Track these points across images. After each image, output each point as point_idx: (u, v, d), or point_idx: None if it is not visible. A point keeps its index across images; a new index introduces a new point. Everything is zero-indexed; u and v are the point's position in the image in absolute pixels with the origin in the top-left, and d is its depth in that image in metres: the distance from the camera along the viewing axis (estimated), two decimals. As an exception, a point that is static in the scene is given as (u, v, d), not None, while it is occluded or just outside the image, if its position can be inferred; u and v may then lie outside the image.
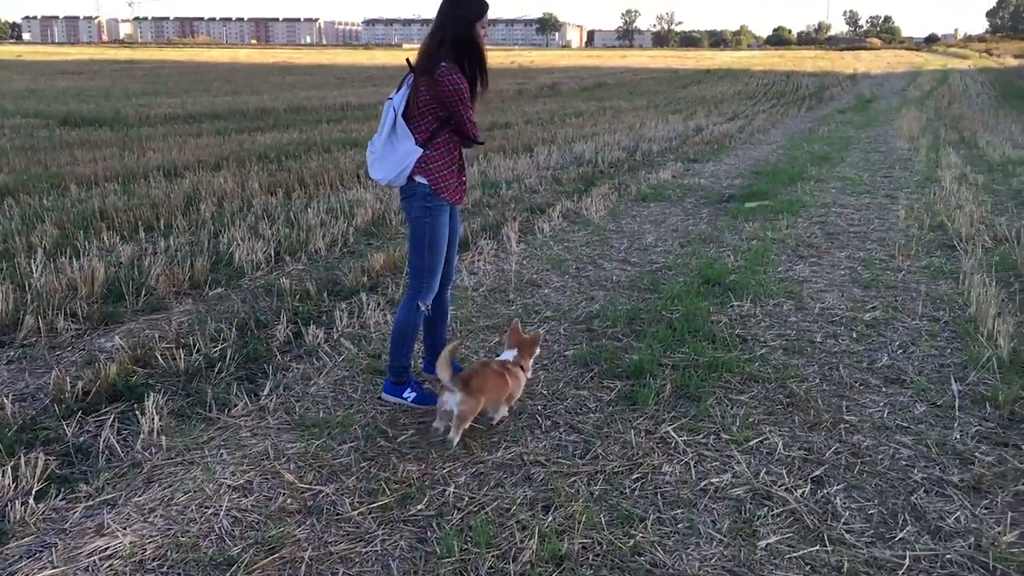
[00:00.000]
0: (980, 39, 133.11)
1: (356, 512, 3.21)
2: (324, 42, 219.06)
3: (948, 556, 2.94)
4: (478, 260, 6.79)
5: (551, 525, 3.10)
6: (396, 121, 3.88)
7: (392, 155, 3.91)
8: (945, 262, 6.77)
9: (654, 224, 8.40)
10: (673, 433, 3.81)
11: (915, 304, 5.68)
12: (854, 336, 5.12)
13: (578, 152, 13.36)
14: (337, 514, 3.21)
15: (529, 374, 4.13)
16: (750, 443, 3.75)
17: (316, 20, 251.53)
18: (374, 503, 3.27)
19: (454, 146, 3.98)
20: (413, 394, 4.15)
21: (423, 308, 4.08)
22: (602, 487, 3.39)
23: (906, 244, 7.37)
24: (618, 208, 9.16)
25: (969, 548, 2.98)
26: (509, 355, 4.05)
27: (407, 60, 3.99)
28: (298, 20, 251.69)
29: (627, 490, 3.37)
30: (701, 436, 3.81)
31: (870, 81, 40.62)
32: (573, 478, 3.45)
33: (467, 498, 3.32)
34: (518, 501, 3.28)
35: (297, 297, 5.70)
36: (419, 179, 3.90)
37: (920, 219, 8.34)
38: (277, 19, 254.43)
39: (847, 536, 3.06)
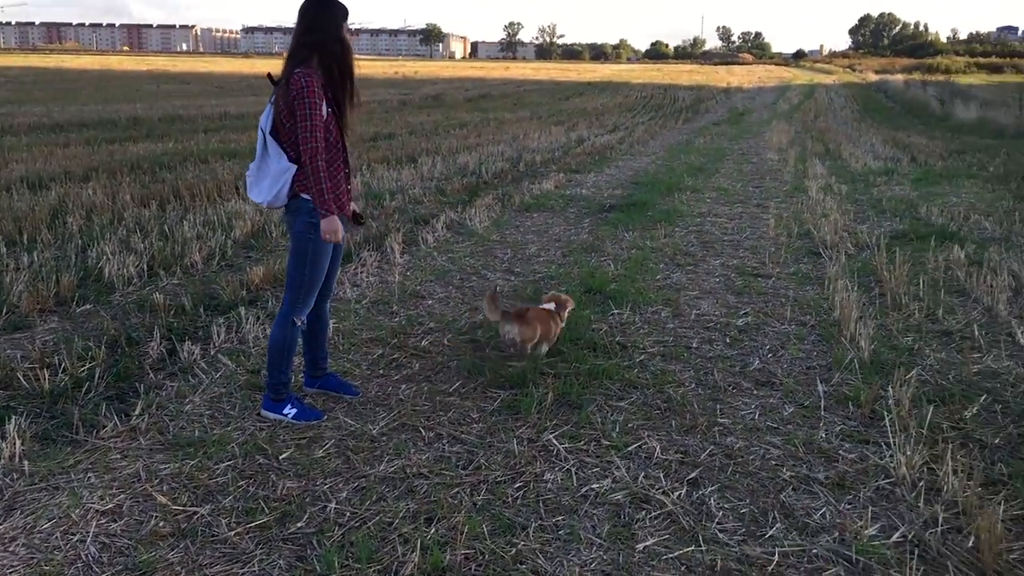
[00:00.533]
0: (844, 55, 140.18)
1: (233, 532, 3.13)
2: (201, 50, 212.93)
3: (814, 551, 3.07)
4: (361, 272, 6.73)
5: (433, 537, 3.10)
6: (266, 140, 3.78)
7: (267, 175, 3.81)
8: (811, 268, 7.09)
9: (537, 234, 8.50)
10: (555, 441, 3.86)
11: (784, 309, 5.93)
12: (728, 341, 5.31)
13: (462, 163, 13.40)
14: (213, 535, 3.12)
15: (563, 324, 4.98)
16: (629, 448, 3.83)
17: (192, 27, 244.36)
18: (252, 522, 3.20)
19: (334, 155, 3.86)
20: (294, 410, 4.08)
21: (299, 323, 4.00)
22: (485, 497, 3.41)
23: (776, 252, 7.69)
24: (502, 218, 9.23)
25: (834, 542, 3.12)
26: (550, 306, 4.91)
27: (268, 75, 3.89)
28: (173, 27, 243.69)
29: (510, 499, 3.39)
30: (582, 443, 3.88)
31: (743, 95, 42.19)
32: (456, 489, 3.46)
33: (349, 513, 3.28)
34: (400, 514, 3.26)
35: (172, 313, 5.53)
36: (305, 195, 3.79)
37: (789, 228, 8.70)
38: (151, 25, 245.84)
39: (720, 535, 3.16)
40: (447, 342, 5.22)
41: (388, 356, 4.95)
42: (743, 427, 4.08)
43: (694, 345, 5.22)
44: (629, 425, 4.07)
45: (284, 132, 3.74)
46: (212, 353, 4.89)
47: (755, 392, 4.51)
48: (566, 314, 4.99)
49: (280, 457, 3.72)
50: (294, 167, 3.76)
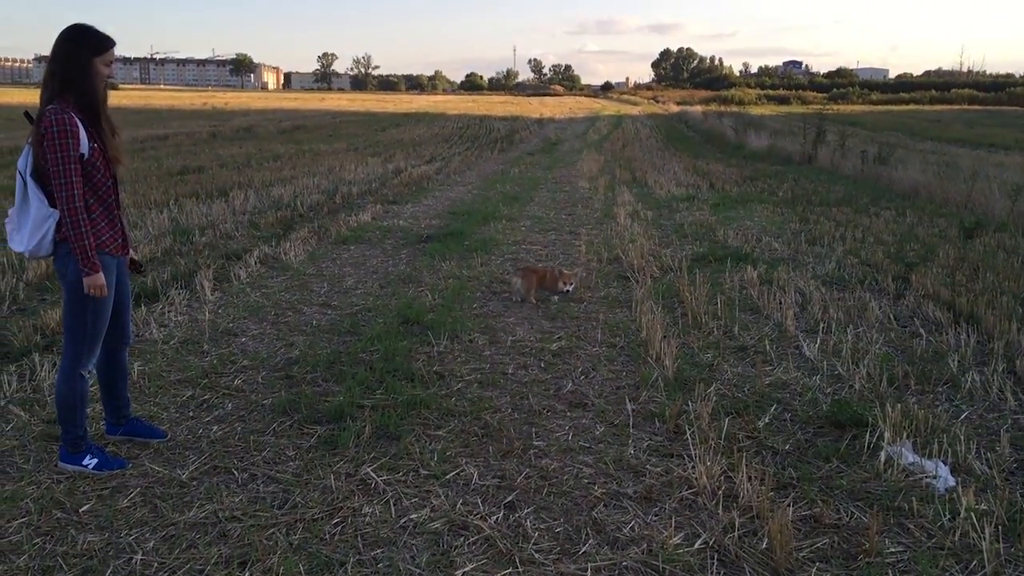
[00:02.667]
0: (648, 87, 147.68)
1: (28, 595, 2.94)
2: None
3: (625, 563, 3.21)
4: (168, 312, 6.46)
5: (248, 581, 3.02)
6: (26, 183, 3.54)
7: (27, 222, 3.56)
8: (621, 292, 7.41)
9: (354, 267, 8.44)
10: (373, 474, 3.85)
11: (595, 332, 6.17)
12: (542, 365, 5.46)
13: (276, 196, 13.14)
14: (5, 600, 2.92)
15: (571, 287, 6.93)
16: (448, 476, 3.87)
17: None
18: (49, 582, 3.01)
19: (105, 194, 3.63)
20: (95, 460, 3.85)
21: (86, 375, 3.78)
22: (302, 536, 3.35)
23: (587, 277, 7.98)
24: (318, 252, 9.11)
25: (643, 554, 3.27)
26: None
27: (25, 113, 3.63)
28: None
29: (327, 536, 3.35)
30: (401, 474, 3.88)
31: (555, 125, 43.56)
32: (271, 530, 3.38)
33: (156, 564, 3.14)
34: (213, 561, 3.15)
35: (-45, 362, 5.12)
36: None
37: (599, 253, 9.07)
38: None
39: (536, 555, 3.25)
40: (261, 380, 5.10)
41: (198, 397, 4.78)
42: (557, 448, 4.21)
43: (510, 371, 5.34)
44: (447, 453, 4.11)
45: (45, 174, 3.49)
46: (2, 404, 4.56)
47: (568, 414, 4.67)
48: (571, 279, 6.97)
49: (80, 510, 3.51)
50: (57, 212, 3.51)
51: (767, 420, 4.53)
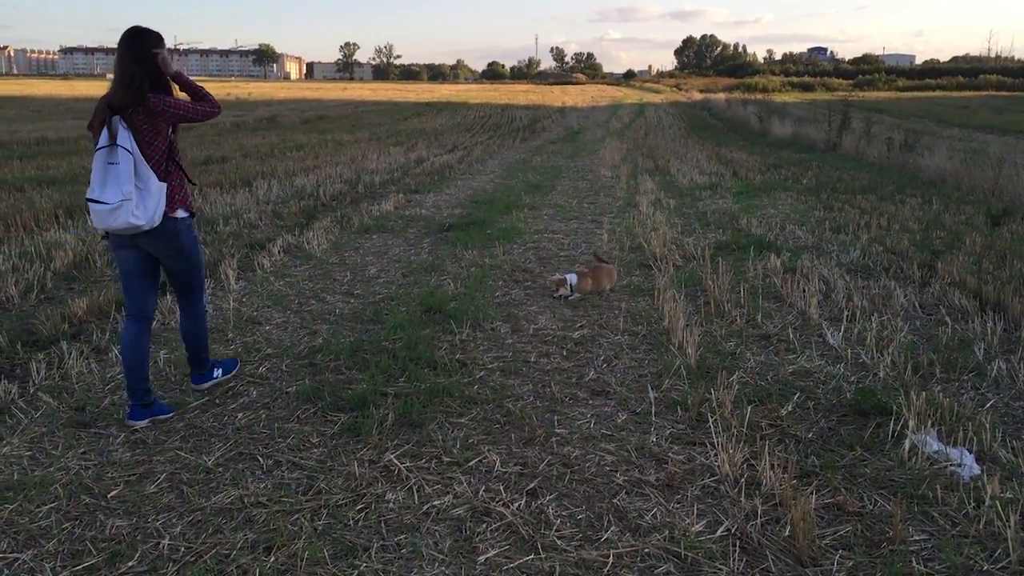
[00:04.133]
0: (671, 75, 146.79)
1: (58, 578, 2.99)
2: (15, 72, 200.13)
3: (646, 550, 3.22)
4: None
5: (273, 566, 3.05)
6: (136, 163, 4.00)
7: (148, 196, 4.04)
8: (643, 280, 7.39)
9: (377, 255, 8.48)
10: (396, 461, 3.87)
11: (617, 320, 6.16)
12: (564, 354, 5.47)
13: (299, 185, 13.21)
14: (35, 583, 2.97)
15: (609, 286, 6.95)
16: (470, 463, 3.89)
17: (5, 48, 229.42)
18: (78, 565, 3.06)
19: (175, 170, 4.26)
20: (220, 369, 4.83)
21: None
22: (326, 521, 3.38)
23: (609, 252, 7.97)
24: (341, 241, 9.16)
25: (664, 541, 3.28)
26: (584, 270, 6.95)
27: (108, 105, 4.03)
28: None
29: (351, 522, 3.38)
30: (423, 461, 3.91)
31: (577, 114, 43.45)
32: (296, 515, 3.42)
33: (183, 548, 3.19)
34: (238, 545, 3.19)
35: (-15, 351, 5.20)
36: (180, 214, 4.26)
37: (621, 242, 9.05)
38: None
39: (558, 542, 3.26)
40: (285, 367, 5.14)
41: (224, 385, 4.83)
42: (579, 436, 4.22)
43: (532, 359, 5.35)
44: (470, 441, 4.13)
45: (148, 153, 4.05)
46: (31, 391, 4.64)
47: (590, 402, 4.68)
48: (605, 279, 6.97)
49: (108, 495, 3.57)
50: (164, 185, 4.10)
51: (790, 408, 4.52)
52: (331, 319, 6.17)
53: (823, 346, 5.58)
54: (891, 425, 4.20)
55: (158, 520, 3.39)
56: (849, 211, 11.03)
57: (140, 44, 4.04)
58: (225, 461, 3.90)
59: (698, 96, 64.83)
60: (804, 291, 6.69)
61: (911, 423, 4.14)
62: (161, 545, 3.20)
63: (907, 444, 3.99)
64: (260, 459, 3.92)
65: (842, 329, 5.81)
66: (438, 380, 4.83)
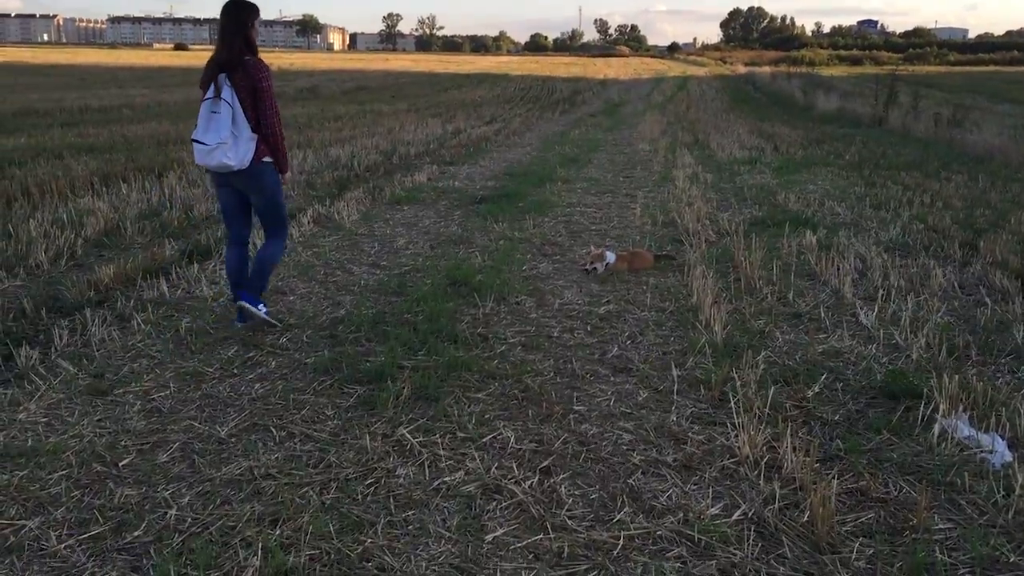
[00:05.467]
0: (715, 48, 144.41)
1: (63, 545, 2.98)
2: (64, 40, 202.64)
3: (659, 532, 3.13)
4: (220, 269, 6.52)
5: (278, 539, 3.02)
6: (235, 114, 4.71)
7: (240, 143, 4.76)
8: (675, 252, 7.25)
9: (406, 227, 8.43)
10: (408, 435, 3.82)
11: (645, 296, 6.05)
12: (588, 329, 5.38)
13: (334, 156, 13.18)
14: (41, 549, 2.96)
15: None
16: (484, 439, 3.83)
17: (55, 16, 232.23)
18: (84, 534, 3.05)
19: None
20: (264, 308, 5.25)
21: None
22: (334, 495, 3.34)
23: (640, 240, 7.84)
24: (371, 212, 9.11)
25: (678, 523, 3.19)
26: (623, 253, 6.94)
27: (216, 61, 4.77)
28: (33, 16, 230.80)
29: (359, 496, 3.34)
30: (437, 436, 3.85)
31: (619, 87, 42.94)
32: (305, 488, 3.38)
33: (190, 519, 3.17)
34: (245, 518, 3.17)
35: (10, 316, 5.23)
36: (266, 160, 4.93)
37: (654, 216, 8.90)
38: (9, 15, 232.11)
39: (569, 522, 3.19)
40: (306, 338, 5.11)
41: (243, 355, 4.81)
42: (598, 414, 4.13)
43: (555, 334, 5.26)
44: (486, 416, 4.07)
45: (245, 108, 4.75)
46: (52, 358, 4.65)
47: (612, 379, 4.58)
48: (639, 265, 6.81)
49: (120, 464, 3.56)
50: (256, 136, 4.83)
51: (817, 389, 4.39)
52: (355, 290, 6.13)
53: (855, 326, 5.43)
54: (921, 409, 4.06)
55: (168, 489, 3.37)
56: (891, 187, 10.75)
57: (239, 13, 4.79)
58: (239, 432, 3.88)
59: (743, 70, 63.70)
60: (839, 269, 6.52)
61: (942, 407, 3.99)
62: (168, 515, 3.18)
63: (937, 429, 3.85)
64: (273, 430, 3.89)
65: (876, 309, 5.65)
66: (458, 354, 4.77)
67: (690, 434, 3.92)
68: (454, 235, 8.03)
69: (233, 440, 3.80)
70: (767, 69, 57.63)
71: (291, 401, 4.21)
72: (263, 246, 5.33)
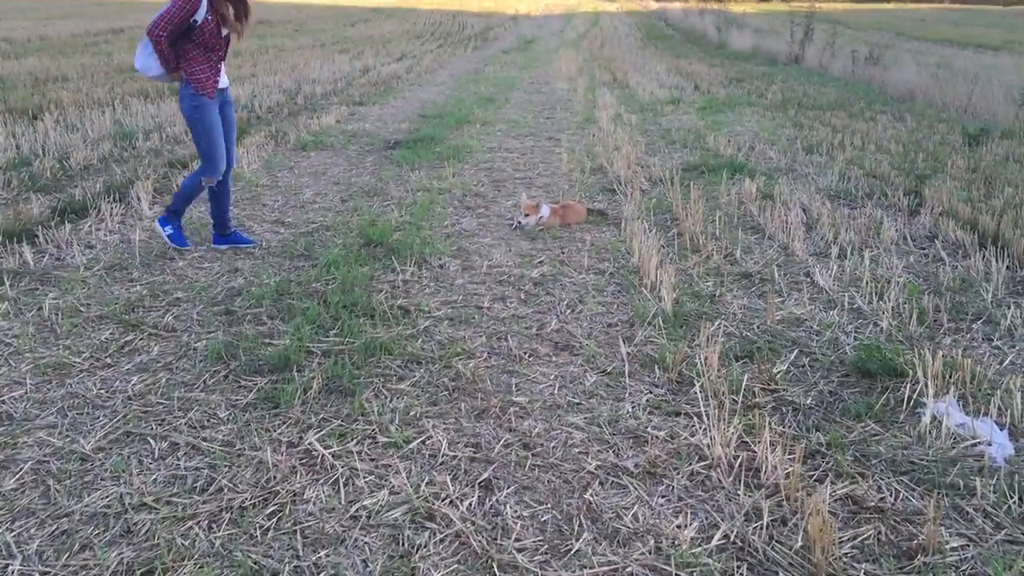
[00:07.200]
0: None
1: None
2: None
3: (628, 568, 2.58)
4: (97, 230, 5.69)
5: (152, 603, 2.37)
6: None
7: (144, 47, 4.93)
8: (608, 207, 6.68)
9: (314, 176, 7.65)
10: (318, 444, 3.17)
11: (581, 256, 5.47)
12: (522, 297, 4.78)
13: (232, 96, 12.09)
14: None
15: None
16: (411, 445, 3.21)
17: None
18: None
19: (210, 50, 4.99)
20: (170, 231, 5.29)
21: (204, 184, 5.20)
22: (226, 531, 2.69)
23: (569, 190, 7.25)
24: (274, 159, 8.27)
25: (650, 553, 2.65)
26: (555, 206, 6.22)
27: None
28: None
29: (259, 531, 2.69)
30: (354, 442, 3.22)
31: (531, 22, 41.84)
32: (190, 523, 2.72)
33: (37, 574, 2.48)
34: (110, 568, 2.50)
35: None
36: (188, 87, 4.98)
37: (582, 163, 8.29)
38: None
39: (519, 557, 2.61)
40: (196, 316, 4.38)
41: (119, 339, 4.07)
42: (541, 405, 3.56)
43: (485, 304, 4.65)
44: (411, 413, 3.45)
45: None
46: None
47: (553, 359, 4.01)
48: (572, 218, 6.18)
49: (-47, 498, 2.83)
50: (149, 43, 4.92)
51: (783, 367, 3.90)
52: (256, 254, 5.40)
53: (812, 287, 4.96)
54: (903, 390, 3.61)
55: (12, 531, 2.67)
56: (820, 129, 10.36)
57: None
58: (108, 444, 3.17)
59: (654, 6, 62.87)
60: (785, 221, 6.04)
61: (929, 390, 3.54)
62: (9, 570, 2.49)
63: (927, 416, 3.40)
64: (151, 441, 3.19)
65: (832, 268, 5.19)
66: (376, 333, 4.12)
67: (650, 429, 3.38)
68: (367, 186, 7.29)
69: (100, 456, 3.09)
70: (678, 5, 57.10)
71: (175, 400, 3.50)
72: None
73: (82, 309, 4.40)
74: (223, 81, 5.23)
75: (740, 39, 26.40)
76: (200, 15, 4.85)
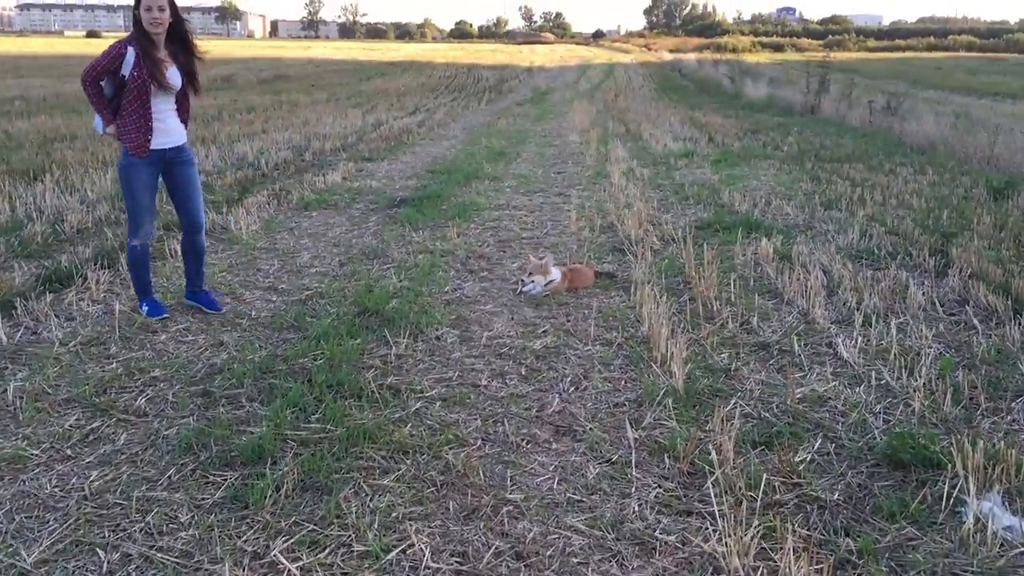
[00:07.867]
0: (640, 35, 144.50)
1: None
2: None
3: None
4: (80, 300, 5.43)
5: None
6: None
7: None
8: (617, 269, 6.38)
9: (314, 238, 7.40)
10: (284, 558, 2.84)
11: (587, 324, 5.16)
12: (523, 372, 4.46)
13: (241, 152, 11.99)
14: None
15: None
16: (389, 555, 2.87)
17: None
18: None
19: (139, 106, 4.79)
20: (147, 308, 5.17)
21: (136, 245, 5.03)
22: (171, 669, 2.36)
23: (578, 250, 6.96)
24: (275, 220, 8.04)
25: None
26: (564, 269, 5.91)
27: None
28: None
29: (208, 669, 2.36)
30: (326, 552, 2.88)
31: (545, 74, 42.06)
32: (130, 658, 2.39)
33: None
34: None
35: None
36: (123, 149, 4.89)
37: (591, 220, 8.01)
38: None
39: None
40: (172, 397, 4.08)
41: (85, 425, 3.77)
42: (538, 503, 3.22)
43: (483, 382, 4.33)
44: (393, 515, 3.11)
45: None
46: None
47: (554, 446, 3.67)
48: (580, 283, 5.88)
49: None
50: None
51: (807, 456, 3.55)
52: (243, 325, 5.11)
53: (836, 360, 4.62)
54: (941, 484, 3.24)
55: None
56: (839, 183, 10.06)
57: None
58: (53, 556, 2.84)
59: (668, 56, 63.34)
60: (804, 285, 5.71)
61: (971, 486, 3.18)
62: None
63: (970, 517, 3.03)
64: (100, 552, 2.87)
65: (856, 338, 4.85)
66: (360, 419, 3.80)
67: (658, 533, 3.03)
68: (367, 247, 7.03)
69: (43, 572, 2.77)
70: (692, 56, 57.48)
71: (134, 501, 3.18)
72: None
73: (49, 392, 4.10)
74: (169, 140, 4.97)
75: (755, 89, 26.31)
76: (127, 70, 4.73)
